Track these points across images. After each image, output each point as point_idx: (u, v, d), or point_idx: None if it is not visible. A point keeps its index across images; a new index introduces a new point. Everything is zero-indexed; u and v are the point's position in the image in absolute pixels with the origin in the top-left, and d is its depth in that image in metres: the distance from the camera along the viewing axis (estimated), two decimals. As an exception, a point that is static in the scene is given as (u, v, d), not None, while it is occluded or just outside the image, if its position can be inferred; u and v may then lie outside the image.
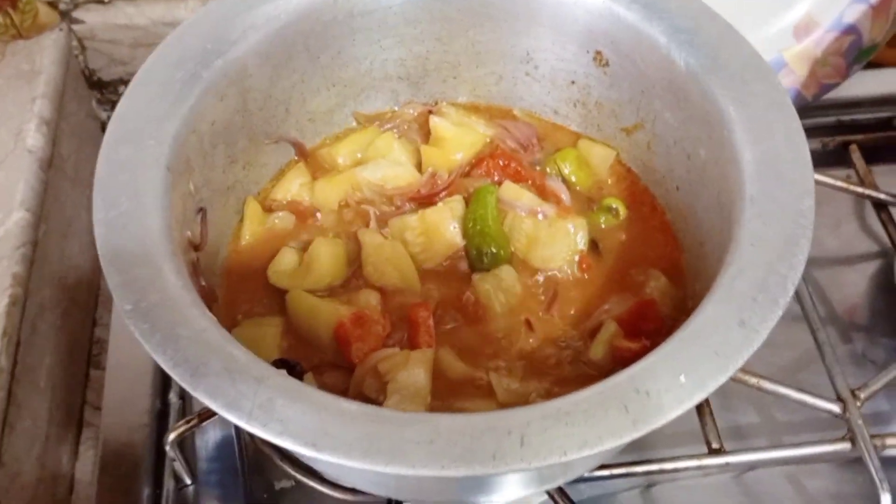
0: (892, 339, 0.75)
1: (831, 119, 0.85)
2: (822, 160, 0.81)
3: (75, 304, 0.84)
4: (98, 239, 0.49)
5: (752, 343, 0.45)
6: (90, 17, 0.90)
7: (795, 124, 0.53)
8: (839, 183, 0.73)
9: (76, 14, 0.90)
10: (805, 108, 0.85)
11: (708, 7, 0.60)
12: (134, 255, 0.49)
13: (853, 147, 0.79)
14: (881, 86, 0.87)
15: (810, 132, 0.82)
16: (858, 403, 0.62)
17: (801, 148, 0.52)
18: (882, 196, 0.74)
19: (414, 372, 0.56)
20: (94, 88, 0.96)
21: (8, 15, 0.85)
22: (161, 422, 0.69)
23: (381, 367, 0.56)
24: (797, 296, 0.69)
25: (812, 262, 0.80)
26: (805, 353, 0.71)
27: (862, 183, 0.76)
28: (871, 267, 0.82)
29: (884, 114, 0.84)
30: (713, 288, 0.48)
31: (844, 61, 0.83)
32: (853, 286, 0.80)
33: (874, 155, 0.82)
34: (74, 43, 0.92)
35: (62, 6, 0.89)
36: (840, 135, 0.82)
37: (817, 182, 0.73)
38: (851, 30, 0.81)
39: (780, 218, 0.50)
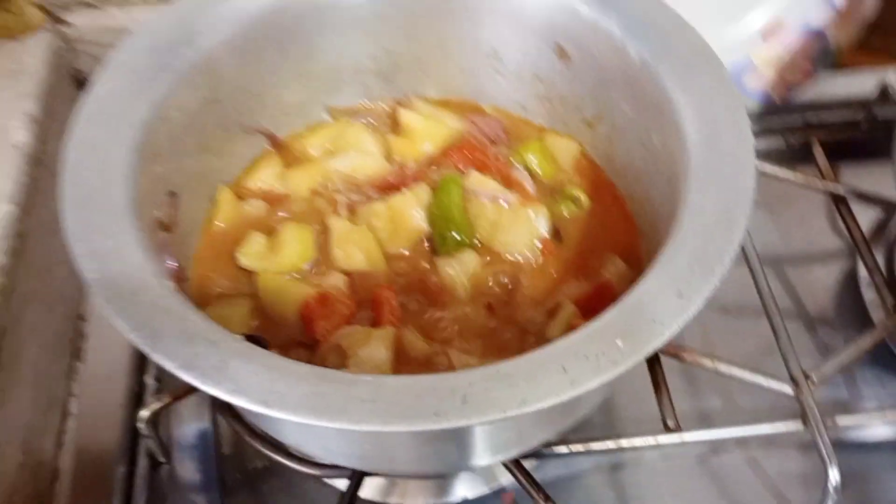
0: (854, 331, 0.77)
1: (798, 119, 0.87)
2: (787, 157, 0.83)
3: (61, 299, 0.86)
4: (64, 213, 0.52)
5: (687, 311, 0.47)
6: (78, 20, 0.93)
7: (738, 105, 0.56)
8: (798, 178, 0.75)
9: (65, 16, 0.93)
10: (773, 109, 0.88)
11: (659, 0, 0.62)
12: (99, 228, 0.51)
13: (815, 144, 0.81)
14: (847, 88, 0.89)
15: (777, 131, 0.86)
16: (811, 385, 0.64)
17: (744, 129, 0.54)
18: (840, 191, 0.76)
19: (374, 348, 0.58)
20: (82, 89, 0.98)
21: (-3, 15, 0.87)
22: (137, 403, 0.71)
23: (344, 343, 0.58)
24: (755, 284, 0.71)
25: (779, 258, 0.83)
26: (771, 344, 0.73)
27: (822, 178, 0.78)
28: (837, 262, 0.84)
29: (849, 115, 0.86)
30: (655, 260, 0.50)
31: (811, 64, 0.85)
32: (818, 280, 0.82)
33: (840, 154, 0.84)
34: (62, 44, 0.94)
35: (50, 8, 0.92)
36: (805, 133, 0.84)
37: (777, 178, 0.76)
38: (818, 34, 0.84)
39: (719, 194, 0.52)
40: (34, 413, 0.76)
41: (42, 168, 0.84)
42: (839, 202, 0.77)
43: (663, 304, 0.48)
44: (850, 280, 0.81)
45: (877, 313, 0.76)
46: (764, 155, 0.81)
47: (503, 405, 0.44)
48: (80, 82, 0.98)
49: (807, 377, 0.64)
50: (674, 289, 0.48)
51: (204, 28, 0.62)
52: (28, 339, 0.77)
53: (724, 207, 0.51)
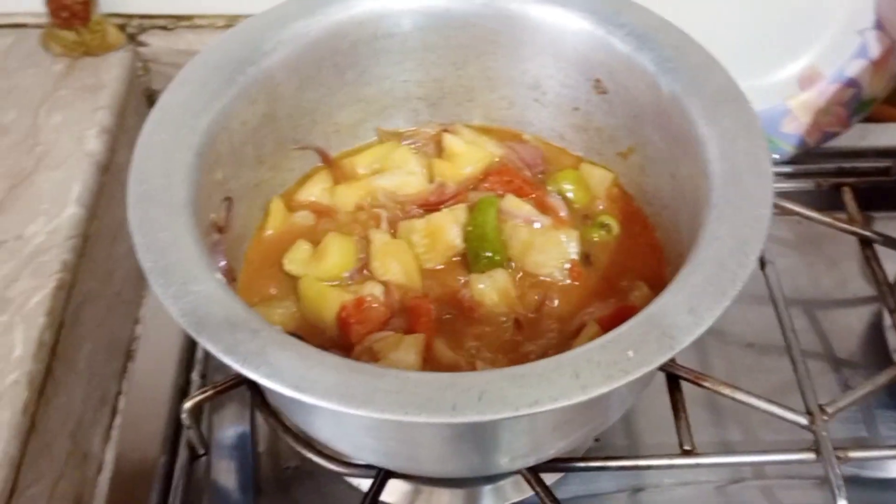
0: (876, 373, 0.78)
1: (832, 166, 0.89)
2: (818, 200, 0.86)
3: (119, 300, 0.91)
4: (129, 206, 0.56)
5: (697, 327, 0.50)
6: (154, 41, 1.00)
7: (760, 141, 0.58)
8: (826, 218, 0.77)
9: (142, 38, 0.99)
10: (808, 153, 0.90)
11: (690, 38, 0.65)
12: (158, 222, 0.56)
13: (846, 189, 0.83)
14: (880, 137, 0.91)
15: (809, 175, 0.88)
16: (825, 417, 0.65)
17: (764, 163, 0.57)
18: (868, 234, 0.78)
19: (404, 353, 0.61)
20: (152, 105, 1.05)
21: (79, 33, 0.94)
22: (182, 398, 0.76)
23: (376, 346, 0.62)
24: (779, 321, 0.73)
25: (808, 298, 0.85)
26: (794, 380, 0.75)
27: (851, 221, 0.80)
28: (865, 306, 0.85)
29: (881, 164, 0.88)
30: (673, 280, 0.53)
31: (846, 112, 0.87)
32: (845, 322, 0.84)
33: (870, 202, 0.86)
34: (139, 64, 1.01)
35: (129, 30, 0.99)
36: (839, 177, 0.86)
37: (807, 218, 0.78)
38: (852, 83, 0.86)
39: (736, 222, 0.54)
40: (85, 407, 0.80)
41: (110, 176, 0.90)
42: (866, 246, 0.78)
43: (675, 319, 0.50)
44: (877, 323, 0.82)
45: (901, 355, 0.77)
46: (796, 196, 0.84)
47: (516, 404, 0.47)
48: (150, 98, 1.05)
49: (822, 409, 0.66)
50: (686, 306, 0.51)
51: (266, 48, 0.67)
52: (85, 336, 0.82)
53: (740, 236, 0.54)
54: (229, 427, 0.75)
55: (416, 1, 0.71)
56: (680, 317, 0.51)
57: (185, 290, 0.52)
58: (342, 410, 0.47)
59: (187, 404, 0.66)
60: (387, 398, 0.47)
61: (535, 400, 0.47)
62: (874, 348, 0.81)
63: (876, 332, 0.82)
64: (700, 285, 0.52)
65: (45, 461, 0.72)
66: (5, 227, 0.80)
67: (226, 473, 0.73)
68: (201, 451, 0.71)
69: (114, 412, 0.86)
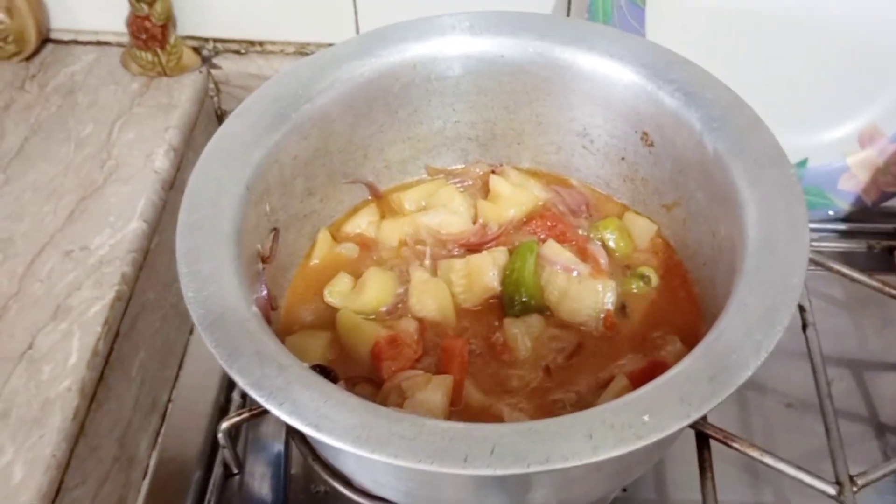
0: (920, 443, 0.77)
1: (890, 226, 0.88)
2: (870, 263, 0.84)
3: (175, 311, 0.94)
4: (178, 236, 0.59)
5: (717, 396, 0.50)
6: (227, 64, 1.04)
7: (801, 209, 0.58)
8: (874, 282, 0.76)
9: (216, 60, 1.03)
10: (865, 212, 0.88)
11: (739, 98, 0.65)
12: (203, 252, 0.58)
13: (897, 252, 0.82)
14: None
15: (863, 234, 0.86)
16: (855, 489, 0.64)
17: (801, 231, 0.57)
18: (915, 302, 0.76)
19: (432, 393, 0.62)
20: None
21: (156, 55, 0.98)
22: (221, 415, 0.78)
23: (405, 385, 0.63)
24: (815, 382, 0.72)
25: (855, 360, 0.84)
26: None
27: (898, 287, 0.78)
28: (914, 371, 0.83)
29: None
30: (697, 346, 0.53)
31: (906, 172, 0.86)
32: (891, 388, 0.82)
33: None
34: (211, 85, 1.05)
35: (204, 52, 1.03)
36: (892, 240, 0.84)
37: (856, 281, 0.77)
38: (914, 143, 0.85)
39: (767, 290, 0.54)
40: (135, 413, 0.83)
41: (175, 192, 0.93)
42: (913, 313, 0.77)
43: (695, 387, 0.51)
44: (925, 392, 0.80)
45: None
46: (847, 256, 0.82)
47: (528, 460, 0.48)
48: (220, 118, 1.09)
49: (852, 480, 0.65)
50: (708, 374, 0.51)
51: (322, 86, 0.70)
52: (140, 344, 0.85)
53: (769, 305, 0.54)
54: (264, 447, 0.77)
55: (469, 47, 0.72)
56: (700, 384, 0.51)
57: (221, 322, 0.54)
58: (357, 453, 0.48)
59: (224, 424, 0.69)
60: (402, 444, 0.49)
61: (547, 458, 0.48)
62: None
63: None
64: (723, 353, 0.52)
65: (92, 463, 0.75)
66: (73, 237, 0.83)
67: (258, 492, 0.75)
68: (235, 471, 0.74)
69: (163, 418, 0.89)
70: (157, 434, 0.87)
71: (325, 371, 0.63)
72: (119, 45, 1.03)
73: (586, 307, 0.69)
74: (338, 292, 0.71)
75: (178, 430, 0.78)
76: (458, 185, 0.79)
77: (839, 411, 0.76)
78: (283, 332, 0.70)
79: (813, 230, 0.89)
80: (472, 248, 0.73)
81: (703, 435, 0.67)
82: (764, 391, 0.81)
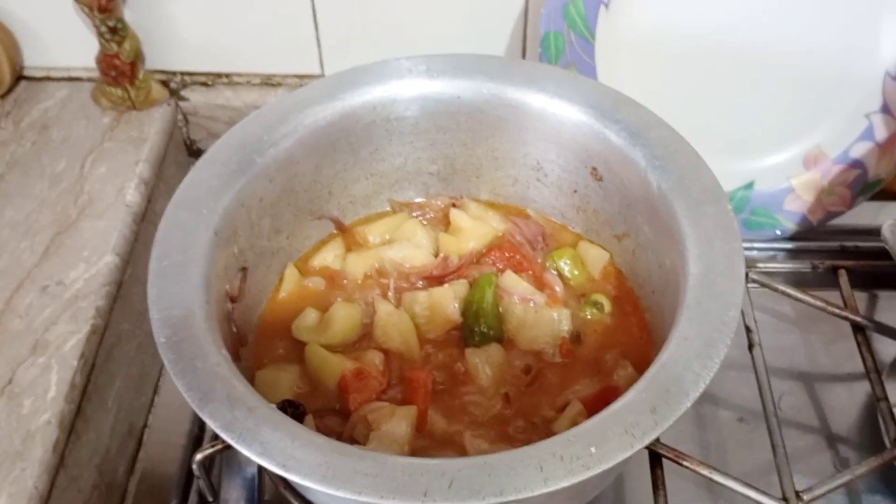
0: (870, 455, 0.80)
1: (835, 244, 0.92)
2: (816, 281, 0.88)
3: (149, 339, 0.93)
4: (149, 283, 0.62)
5: (659, 427, 0.53)
6: (194, 96, 1.06)
7: (737, 245, 0.62)
8: (817, 302, 0.80)
9: (184, 93, 1.06)
10: (810, 232, 0.92)
11: (681, 137, 0.69)
12: (174, 298, 0.61)
13: (841, 272, 0.85)
14: (885, 217, 0.93)
15: (808, 254, 0.90)
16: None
17: (737, 266, 0.60)
18: (858, 319, 0.80)
19: (396, 424, 0.65)
20: (193, 156, 1.11)
21: (126, 90, 1.00)
22: (196, 444, 0.81)
23: (370, 416, 0.66)
24: (761, 398, 0.75)
25: (802, 375, 0.87)
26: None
27: (844, 306, 0.82)
28: (860, 386, 0.87)
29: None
30: (641, 377, 0.57)
31: (850, 192, 0.90)
32: (839, 401, 0.86)
33: (873, 282, 0.88)
34: (179, 117, 1.07)
35: (172, 85, 1.05)
36: (836, 259, 0.88)
37: (801, 301, 0.81)
38: (857, 164, 0.89)
39: (705, 324, 0.58)
40: (112, 439, 0.85)
41: (147, 223, 0.95)
42: (858, 331, 0.81)
43: (638, 418, 0.54)
44: (872, 404, 0.84)
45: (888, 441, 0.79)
46: (795, 276, 0.86)
47: (483, 493, 0.51)
48: (189, 147, 1.11)
49: (798, 496, 0.68)
50: (649, 405, 0.55)
51: (286, 130, 0.73)
52: (115, 373, 0.87)
53: (707, 339, 0.57)
54: (238, 474, 0.79)
55: (426, 88, 0.76)
56: (642, 416, 0.54)
57: (192, 367, 0.57)
58: (323, 491, 0.51)
59: (198, 456, 0.71)
60: (365, 481, 0.52)
61: (501, 490, 0.51)
62: (868, 426, 0.82)
63: (871, 410, 0.84)
64: (664, 385, 0.55)
65: (72, 493, 0.77)
66: (50, 273, 0.85)
67: (233, 520, 0.78)
68: (210, 499, 0.76)
69: (139, 443, 0.91)
70: (134, 459, 0.89)
71: (293, 405, 0.66)
72: (90, 79, 1.05)
73: (543, 335, 0.72)
74: (305, 327, 0.74)
75: (155, 461, 0.80)
76: (421, 217, 0.83)
77: (791, 425, 0.81)
78: (254, 366, 0.73)
79: (760, 250, 0.94)
80: (435, 281, 0.77)
81: (655, 454, 0.71)
82: (716, 405, 0.85)
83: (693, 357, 0.56)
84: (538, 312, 0.73)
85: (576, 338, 0.73)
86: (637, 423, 0.54)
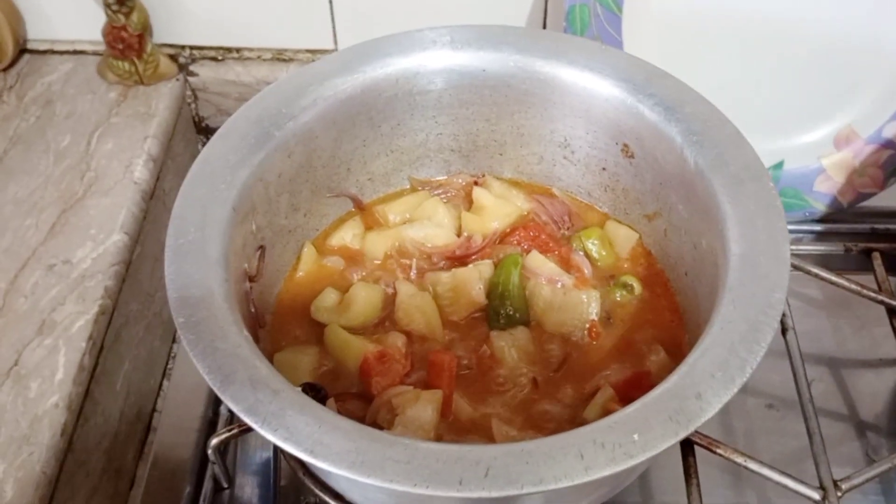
0: (900, 442, 0.78)
1: (866, 226, 0.89)
2: (848, 264, 0.86)
3: (159, 320, 0.94)
4: (166, 261, 0.59)
5: (704, 413, 0.51)
6: (204, 72, 1.03)
7: (781, 224, 0.59)
8: (852, 285, 0.77)
9: (192, 67, 1.03)
10: (841, 213, 0.90)
11: (719, 112, 0.66)
12: (192, 277, 0.58)
13: (875, 254, 0.83)
14: (918, 199, 0.91)
15: (840, 235, 0.88)
16: (839, 493, 0.66)
17: (782, 246, 0.58)
18: (895, 303, 0.78)
19: (422, 409, 0.63)
20: (202, 133, 1.09)
21: (133, 64, 0.97)
22: (210, 429, 0.79)
23: (395, 401, 0.64)
24: (796, 386, 0.73)
25: (835, 361, 0.85)
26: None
27: (879, 289, 0.80)
28: (893, 372, 0.85)
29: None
30: (683, 362, 0.54)
31: (882, 173, 0.87)
32: (873, 387, 0.83)
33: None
34: (188, 92, 1.04)
35: (181, 60, 1.02)
36: (869, 242, 0.86)
37: (834, 284, 0.78)
38: (890, 144, 0.86)
39: (749, 306, 0.55)
40: (121, 424, 0.83)
41: (155, 201, 0.93)
42: (894, 314, 0.78)
43: (683, 404, 0.52)
44: (905, 391, 0.82)
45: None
46: (824, 259, 0.84)
47: (521, 482, 0.49)
48: (198, 125, 1.08)
49: (836, 485, 0.66)
50: (694, 391, 0.52)
51: (305, 104, 0.70)
52: (125, 355, 0.85)
53: (752, 321, 0.55)
54: (254, 459, 0.77)
55: (451, 61, 0.73)
56: (687, 402, 0.52)
57: (212, 348, 0.55)
58: (351, 477, 0.49)
59: (214, 441, 0.69)
60: (396, 468, 0.49)
61: (540, 479, 0.49)
62: (901, 417, 0.81)
63: (903, 400, 0.82)
64: (709, 370, 0.53)
65: (80, 477, 0.76)
66: (55, 251, 0.83)
67: (249, 503, 0.76)
68: (225, 485, 0.74)
69: (148, 428, 0.89)
70: (143, 443, 0.87)
71: (314, 389, 0.64)
72: (96, 53, 1.03)
73: (571, 318, 0.70)
74: (324, 308, 0.71)
75: (168, 445, 0.78)
76: (442, 196, 0.80)
77: (821, 412, 0.78)
78: (272, 348, 0.70)
79: (790, 232, 0.91)
80: (457, 261, 0.74)
81: (687, 441, 0.68)
82: (745, 392, 0.82)
83: (738, 341, 0.54)
84: (566, 294, 0.70)
85: (605, 321, 0.71)
86: (682, 410, 0.51)
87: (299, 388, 0.55)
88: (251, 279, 0.67)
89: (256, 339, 0.66)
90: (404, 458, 0.50)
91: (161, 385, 0.93)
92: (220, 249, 0.61)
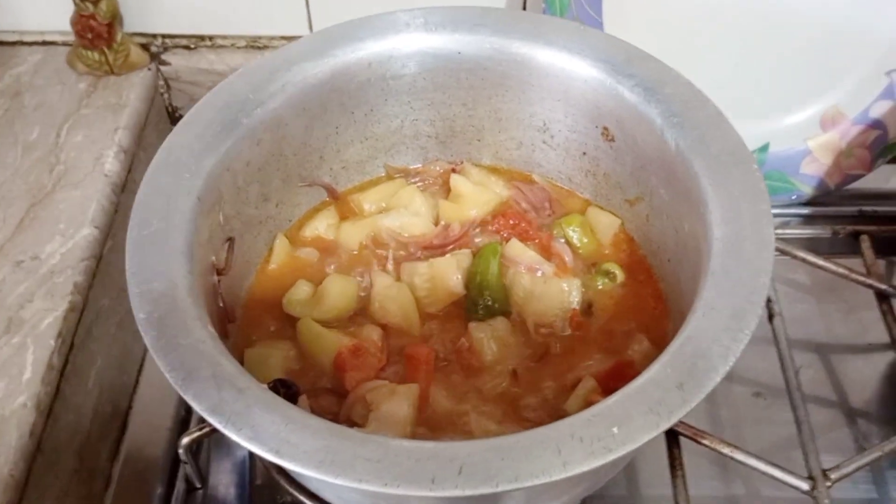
0: (891, 429, 0.76)
1: (853, 209, 0.87)
2: (835, 247, 0.84)
3: (132, 316, 0.91)
4: (127, 254, 0.57)
5: (686, 405, 0.49)
6: (176, 60, 1.00)
7: (765, 207, 0.57)
8: (840, 269, 0.76)
9: (164, 56, 1.00)
10: (828, 196, 0.88)
11: (700, 93, 0.64)
12: (154, 270, 0.56)
13: (863, 237, 0.81)
14: (900, 181, 0.89)
15: (827, 219, 0.86)
16: (828, 483, 0.64)
17: (766, 230, 0.56)
18: (884, 287, 0.76)
19: (397, 404, 0.61)
20: (175, 123, 1.05)
21: (103, 53, 0.95)
22: (183, 428, 0.76)
23: (369, 396, 0.62)
24: (784, 374, 0.71)
25: (821, 347, 0.83)
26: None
27: (868, 273, 0.78)
28: (882, 357, 0.83)
29: (905, 209, 0.86)
30: (665, 351, 0.52)
31: (869, 154, 0.85)
32: (862, 372, 0.82)
33: (892, 247, 0.84)
34: (160, 82, 1.02)
35: (153, 49, 1.00)
36: (856, 224, 0.84)
37: (822, 268, 0.76)
38: (877, 125, 0.84)
39: (733, 292, 0.53)
40: (94, 423, 0.81)
41: (127, 194, 0.91)
42: (883, 299, 0.77)
43: (664, 395, 0.50)
44: (894, 375, 0.80)
45: (915, 414, 0.75)
46: (813, 242, 0.82)
47: (496, 479, 0.47)
48: (171, 115, 1.06)
49: (825, 474, 0.64)
50: (676, 381, 0.50)
51: (273, 90, 0.67)
52: (97, 352, 0.83)
53: (736, 309, 0.53)
54: (228, 458, 0.75)
55: (425, 43, 0.71)
56: (669, 392, 0.50)
57: (174, 344, 0.53)
58: (320, 478, 0.47)
59: (185, 440, 0.67)
60: (366, 467, 0.47)
61: (516, 476, 0.47)
62: (891, 399, 0.79)
63: (893, 382, 0.80)
64: (690, 359, 0.51)
65: (50, 479, 0.73)
66: (23, 247, 0.81)
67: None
68: (198, 485, 0.72)
69: (123, 426, 0.87)
70: (118, 443, 0.85)
71: (286, 385, 0.62)
72: (65, 44, 1.00)
73: (552, 307, 0.68)
74: (297, 301, 0.69)
75: (139, 445, 0.76)
76: (418, 184, 0.78)
77: (809, 399, 0.77)
78: (242, 343, 0.68)
79: (776, 216, 0.89)
80: (435, 251, 0.72)
81: (672, 432, 0.67)
82: (731, 381, 0.81)
83: (721, 329, 0.52)
84: (546, 283, 0.68)
85: (587, 310, 0.69)
86: (663, 401, 0.49)
87: (267, 386, 0.53)
88: (219, 272, 0.65)
89: (226, 335, 0.65)
90: (375, 456, 0.48)
91: (137, 382, 0.91)
92: (185, 241, 0.59)
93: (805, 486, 0.64)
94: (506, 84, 0.72)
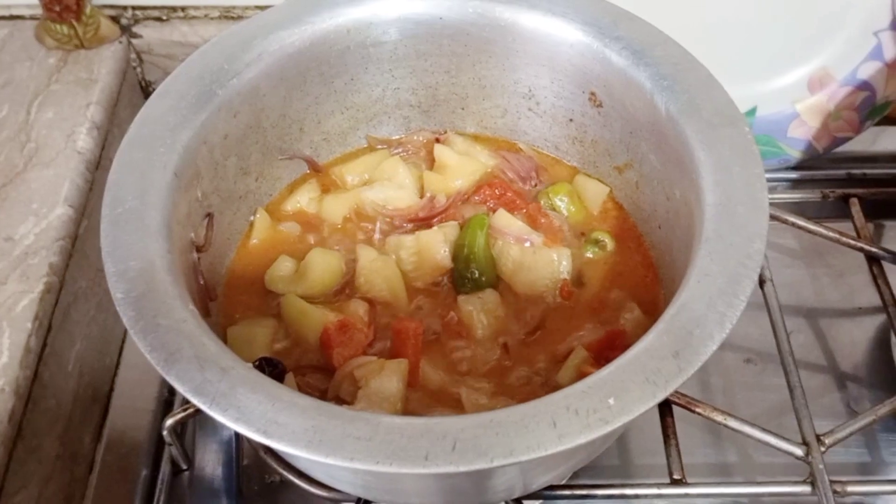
0: (883, 392, 0.76)
1: (842, 172, 0.86)
2: (825, 211, 0.83)
3: (111, 297, 0.90)
4: (102, 232, 0.55)
5: (682, 373, 0.48)
6: (148, 33, 0.98)
7: (758, 170, 0.56)
8: (830, 233, 0.75)
9: (136, 29, 0.98)
10: (816, 159, 0.87)
11: (690, 55, 0.63)
12: (131, 249, 0.54)
13: (853, 200, 0.80)
14: (888, 143, 0.88)
15: (816, 183, 0.85)
16: (823, 448, 0.64)
17: (760, 194, 0.55)
18: (874, 250, 0.75)
19: (386, 380, 0.60)
20: (147, 97, 1.03)
21: (72, 26, 0.92)
22: (166, 409, 0.75)
23: (357, 372, 0.60)
24: (776, 340, 0.70)
25: (811, 312, 0.83)
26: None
27: (858, 236, 0.77)
28: (872, 321, 0.82)
29: (894, 170, 0.84)
30: (659, 320, 0.51)
31: (858, 116, 0.84)
32: (853, 336, 0.81)
33: (881, 210, 0.83)
34: (132, 55, 0.99)
35: (123, 21, 0.97)
36: (845, 188, 0.83)
37: (812, 232, 0.75)
38: (865, 86, 0.83)
39: (727, 258, 0.52)
40: (75, 406, 0.80)
41: (101, 171, 0.88)
42: (874, 262, 0.76)
43: (660, 364, 0.49)
44: (885, 338, 0.80)
45: (906, 378, 0.75)
46: (801, 207, 0.81)
47: (491, 454, 0.45)
48: (144, 89, 1.03)
49: (819, 440, 0.64)
50: (672, 349, 0.49)
51: (249, 59, 0.65)
52: (76, 334, 0.81)
53: (731, 274, 0.52)
54: (214, 438, 0.74)
55: (406, 9, 0.69)
56: (665, 361, 0.49)
57: (154, 324, 0.51)
58: (309, 458, 0.46)
59: (169, 422, 0.65)
60: (357, 445, 0.46)
61: (511, 450, 0.46)
62: (882, 364, 0.78)
63: (884, 346, 0.80)
64: (686, 327, 0.50)
65: (32, 465, 0.72)
66: (-5, 229, 0.79)
67: (209, 486, 0.72)
68: (184, 467, 0.70)
69: (105, 409, 0.86)
70: (101, 426, 0.83)
71: (271, 364, 0.60)
72: (33, 17, 0.97)
73: (542, 278, 0.66)
74: (279, 277, 0.67)
75: (123, 428, 0.74)
76: (402, 154, 0.76)
77: (800, 364, 0.76)
78: (225, 322, 0.66)
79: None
80: (421, 223, 0.70)
81: (665, 401, 0.65)
82: (722, 347, 0.78)
83: (716, 295, 0.51)
84: (536, 254, 0.67)
85: (577, 280, 0.68)
86: (659, 371, 0.48)
87: (252, 365, 0.51)
88: (199, 249, 0.63)
89: (207, 314, 0.63)
90: (366, 434, 0.46)
91: (118, 364, 0.89)
92: (162, 218, 0.57)
93: (799, 451, 0.64)
94: (489, 50, 0.70)
